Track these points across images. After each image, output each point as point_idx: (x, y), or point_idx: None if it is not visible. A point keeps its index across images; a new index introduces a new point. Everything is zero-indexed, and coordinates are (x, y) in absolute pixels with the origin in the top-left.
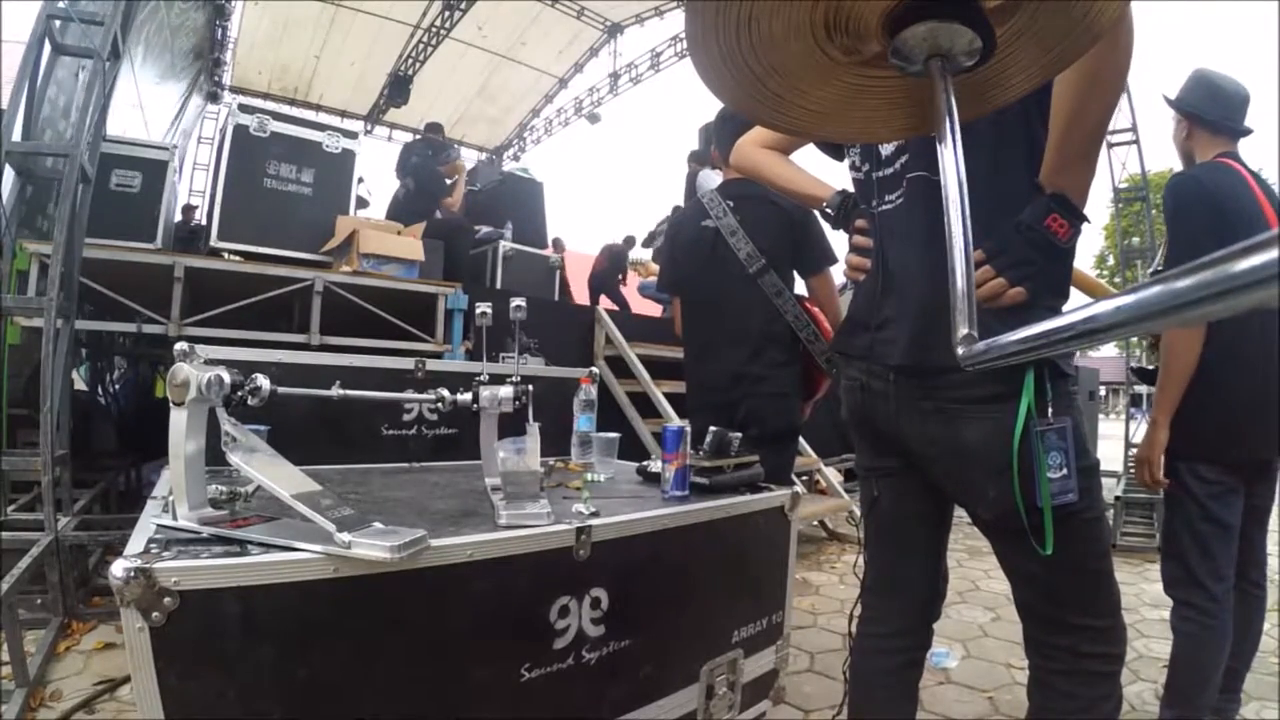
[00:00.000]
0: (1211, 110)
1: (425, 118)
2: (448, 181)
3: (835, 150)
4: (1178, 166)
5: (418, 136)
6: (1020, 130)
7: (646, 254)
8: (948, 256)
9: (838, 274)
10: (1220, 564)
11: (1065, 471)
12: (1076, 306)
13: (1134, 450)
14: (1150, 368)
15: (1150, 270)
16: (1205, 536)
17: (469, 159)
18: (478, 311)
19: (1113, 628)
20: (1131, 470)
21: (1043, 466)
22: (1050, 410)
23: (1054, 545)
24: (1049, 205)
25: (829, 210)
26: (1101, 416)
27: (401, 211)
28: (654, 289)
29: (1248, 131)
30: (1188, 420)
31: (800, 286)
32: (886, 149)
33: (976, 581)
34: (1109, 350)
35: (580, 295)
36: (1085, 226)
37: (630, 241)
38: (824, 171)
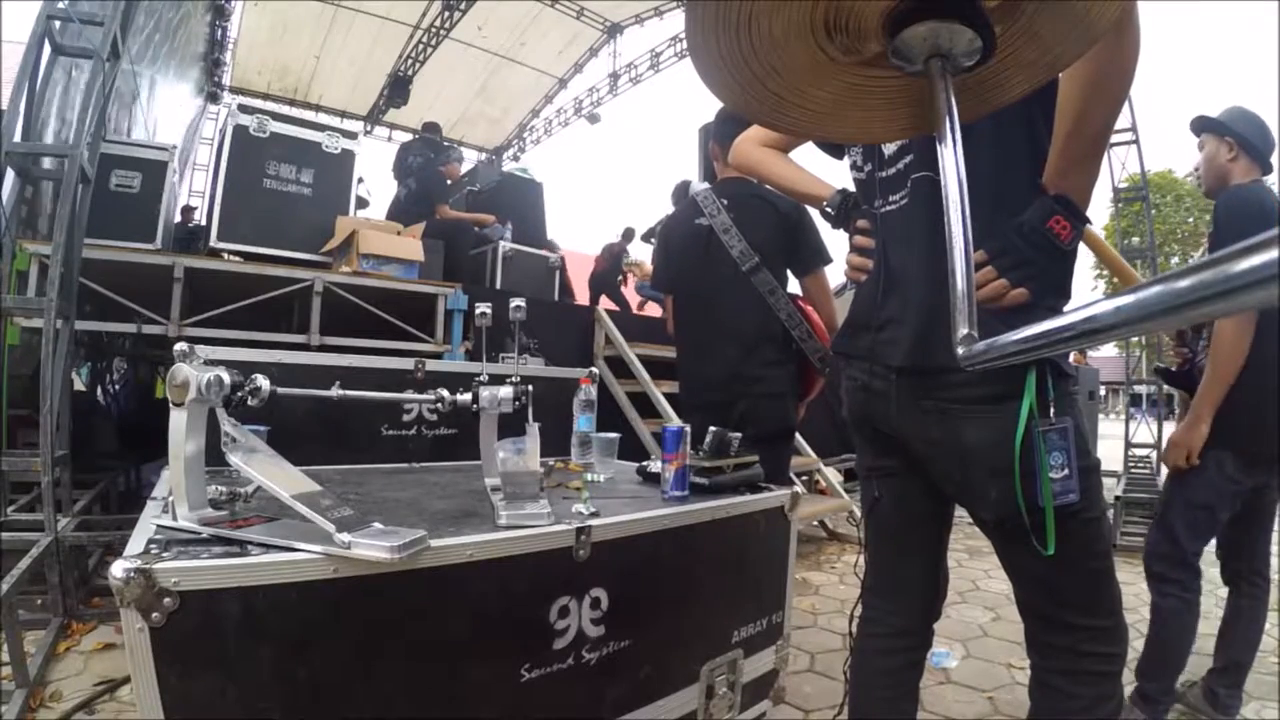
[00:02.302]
0: (1262, 143)
1: (425, 118)
2: (449, 183)
3: (835, 149)
4: (1178, 168)
5: (415, 137)
6: (1023, 131)
7: (645, 254)
8: (948, 256)
9: (836, 275)
10: (1201, 549)
11: (1067, 471)
12: (1076, 306)
13: (1166, 436)
14: (1173, 368)
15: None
16: (1200, 521)
17: (469, 159)
18: (477, 312)
19: (1113, 628)
20: (1133, 469)
21: (1044, 466)
22: (1052, 410)
23: (1055, 545)
24: (1051, 207)
25: (829, 210)
26: (1101, 416)
27: (402, 212)
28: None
29: (1271, 168)
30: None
31: (795, 286)
32: (889, 149)
33: (976, 581)
34: (1109, 350)
35: (581, 296)
36: (1086, 227)
37: (629, 234)
38: (824, 171)
